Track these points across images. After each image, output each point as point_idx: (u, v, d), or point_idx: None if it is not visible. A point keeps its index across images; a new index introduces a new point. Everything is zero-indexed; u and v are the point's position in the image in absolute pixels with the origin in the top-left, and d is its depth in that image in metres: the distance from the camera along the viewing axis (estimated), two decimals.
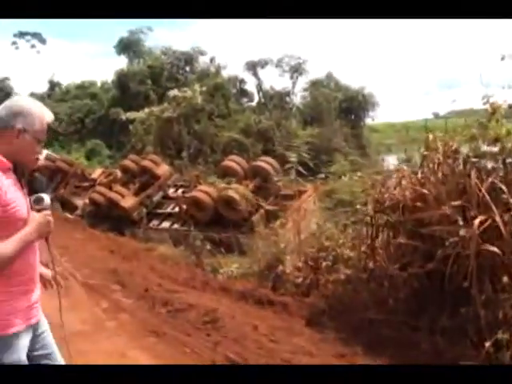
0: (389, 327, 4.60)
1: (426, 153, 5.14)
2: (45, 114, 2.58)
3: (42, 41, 59.39)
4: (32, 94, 53.84)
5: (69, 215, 15.31)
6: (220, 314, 5.32)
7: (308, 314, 5.41)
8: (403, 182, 5.15)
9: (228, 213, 12.28)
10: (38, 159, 2.57)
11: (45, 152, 20.94)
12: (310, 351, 4.55)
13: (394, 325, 4.61)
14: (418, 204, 4.87)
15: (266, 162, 13.56)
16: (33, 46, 58.78)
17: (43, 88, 55.69)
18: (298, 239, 6.93)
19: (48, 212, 2.54)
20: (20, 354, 2.45)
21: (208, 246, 9.18)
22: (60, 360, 2.72)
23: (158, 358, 4.51)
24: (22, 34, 57.48)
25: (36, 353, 2.62)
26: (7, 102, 2.54)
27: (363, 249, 5.32)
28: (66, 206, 16.53)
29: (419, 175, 5.16)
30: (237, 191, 12.23)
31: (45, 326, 2.74)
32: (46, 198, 2.53)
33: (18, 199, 2.43)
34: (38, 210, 2.50)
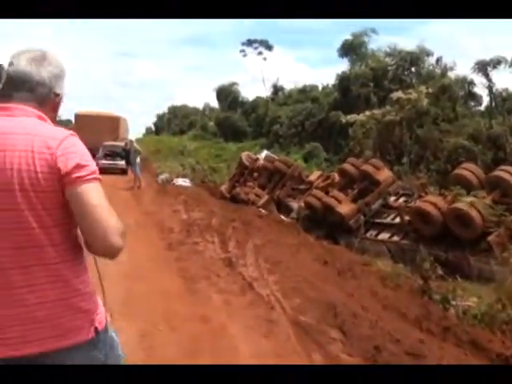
0: None
1: None
2: None
3: (269, 47, 62.39)
4: (257, 98, 56.89)
5: (283, 218, 14.90)
6: None
7: None
8: None
9: (459, 229, 10.69)
10: None
11: (265, 152, 21.15)
12: None
13: None
14: None
15: (508, 173, 11.54)
16: (260, 53, 62.10)
17: (267, 92, 58.40)
18: None
19: None
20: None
21: (439, 271, 7.68)
22: None
23: None
24: (250, 42, 61.06)
25: None
26: (42, 59, 1.94)
27: None
28: (282, 207, 16.24)
29: None
30: (471, 204, 10.53)
31: None
32: None
33: None
34: None
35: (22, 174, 1.73)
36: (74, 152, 1.79)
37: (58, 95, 1.99)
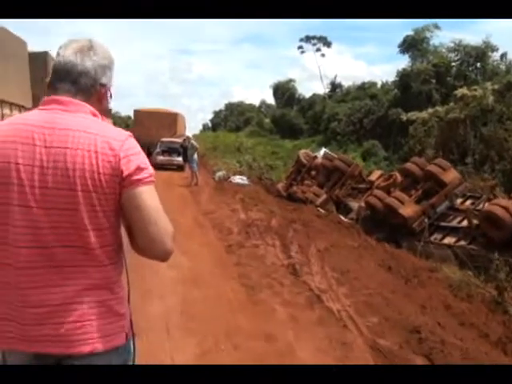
0: None
1: None
2: None
3: (327, 44, 61.80)
4: (314, 95, 56.41)
5: (342, 218, 14.48)
6: None
7: None
8: None
9: None
10: None
11: (323, 150, 20.74)
12: None
13: None
14: None
15: None
16: (318, 50, 61.60)
17: (325, 89, 57.82)
18: None
19: None
20: None
21: None
22: None
23: None
24: (308, 39, 60.66)
25: None
26: (88, 49, 1.88)
27: None
28: (341, 207, 15.80)
29: None
30: None
31: None
32: None
33: None
34: None
35: (85, 175, 1.70)
36: (135, 154, 1.79)
37: (104, 86, 1.91)
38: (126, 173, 1.73)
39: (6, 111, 11.25)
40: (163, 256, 1.84)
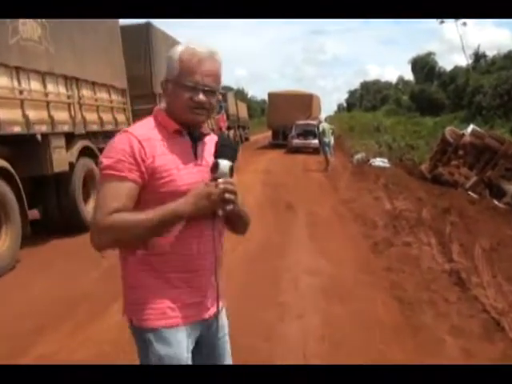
0: None
1: None
2: (192, 53, 1.88)
3: None
4: (456, 68, 53.11)
5: (497, 202, 13.16)
6: None
7: None
8: None
9: None
10: (196, 113, 1.92)
11: (471, 127, 19.13)
12: None
13: None
14: None
15: None
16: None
17: (468, 61, 54.16)
18: None
19: (220, 181, 1.87)
20: (176, 350, 1.96)
21: None
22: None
23: None
24: None
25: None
26: None
27: None
28: (493, 190, 14.41)
29: None
30: None
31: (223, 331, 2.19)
32: (222, 163, 1.90)
33: (179, 169, 1.91)
34: (213, 179, 1.90)
35: None
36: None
37: (162, 82, 2.00)
38: None
39: (84, 92, 8.91)
40: None
